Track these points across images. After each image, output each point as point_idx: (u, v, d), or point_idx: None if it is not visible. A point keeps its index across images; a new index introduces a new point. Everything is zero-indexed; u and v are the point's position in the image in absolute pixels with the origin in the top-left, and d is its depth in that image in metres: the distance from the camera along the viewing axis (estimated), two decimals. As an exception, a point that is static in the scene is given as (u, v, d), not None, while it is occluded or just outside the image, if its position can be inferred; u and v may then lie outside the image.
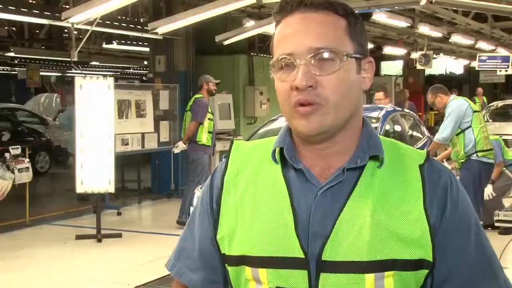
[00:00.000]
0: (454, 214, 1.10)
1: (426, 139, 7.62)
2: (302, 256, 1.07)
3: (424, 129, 7.92)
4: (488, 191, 6.69)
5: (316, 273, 1.06)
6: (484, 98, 16.22)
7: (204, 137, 7.54)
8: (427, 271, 1.09)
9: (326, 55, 1.07)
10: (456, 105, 6.03)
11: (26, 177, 7.32)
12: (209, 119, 7.63)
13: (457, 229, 1.10)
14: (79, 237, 7.07)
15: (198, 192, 5.82)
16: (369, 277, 1.05)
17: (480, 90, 16.03)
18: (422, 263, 1.07)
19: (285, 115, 1.12)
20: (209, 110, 7.66)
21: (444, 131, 5.99)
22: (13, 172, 7.07)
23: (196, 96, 7.75)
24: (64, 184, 10.96)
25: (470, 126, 5.96)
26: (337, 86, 1.07)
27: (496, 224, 7.14)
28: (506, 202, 8.45)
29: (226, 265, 1.17)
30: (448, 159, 6.70)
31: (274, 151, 1.15)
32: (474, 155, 5.98)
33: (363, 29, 1.15)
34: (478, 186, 6.10)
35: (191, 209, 5.73)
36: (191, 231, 1.23)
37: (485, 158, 6.01)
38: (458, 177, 6.05)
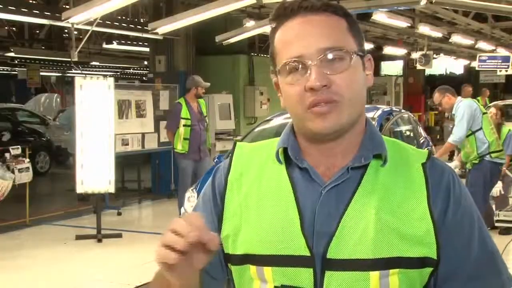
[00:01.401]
0: (457, 212, 1.11)
1: (423, 140, 7.59)
2: (308, 254, 1.08)
3: (421, 129, 7.89)
4: (498, 188, 6.68)
5: (321, 271, 1.07)
6: (487, 99, 16.10)
7: (179, 145, 7.36)
8: (431, 269, 1.09)
9: (335, 54, 1.08)
10: (466, 105, 6.04)
11: (26, 177, 7.31)
12: (184, 125, 7.30)
13: (460, 227, 1.11)
14: (79, 237, 7.07)
15: (188, 193, 5.68)
16: (374, 275, 1.06)
17: (486, 91, 15.81)
18: (426, 261, 1.08)
19: (296, 118, 1.13)
20: (185, 116, 7.32)
21: (459, 132, 5.97)
22: (13, 172, 7.07)
23: (179, 100, 7.69)
24: (64, 184, 10.96)
25: (481, 128, 6.00)
26: (350, 83, 1.09)
27: (496, 224, 7.14)
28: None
29: (229, 264, 1.17)
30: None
31: (278, 151, 1.16)
32: (488, 156, 6.03)
33: (359, 28, 1.17)
34: (488, 186, 6.14)
35: (182, 210, 5.67)
36: None
37: (498, 159, 6.10)
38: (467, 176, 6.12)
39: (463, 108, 5.99)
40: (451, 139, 6.10)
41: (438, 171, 1.14)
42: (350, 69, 1.09)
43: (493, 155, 6.02)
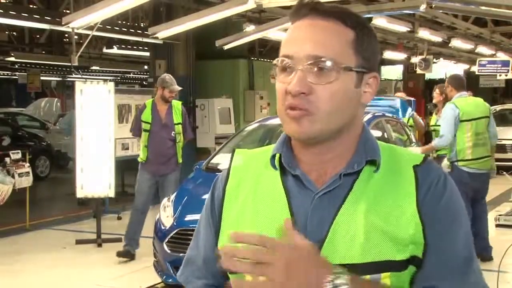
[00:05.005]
0: (434, 209, 1.09)
1: (414, 146, 7.44)
2: None
3: (412, 135, 7.71)
4: None
5: None
6: None
7: (140, 153, 6.27)
8: (415, 267, 1.09)
9: (324, 64, 1.07)
10: (448, 108, 5.96)
11: (26, 181, 7.31)
12: (144, 130, 6.17)
13: (438, 225, 1.09)
14: (79, 242, 7.06)
15: (164, 202, 5.42)
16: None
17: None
18: (413, 260, 1.08)
19: (279, 116, 1.14)
20: (146, 119, 6.18)
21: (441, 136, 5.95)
22: (13, 176, 7.07)
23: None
24: (64, 188, 10.95)
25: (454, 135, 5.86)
26: (330, 97, 1.07)
27: (497, 229, 7.16)
28: (507, 206, 8.46)
29: (228, 273, 1.18)
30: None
31: (272, 158, 1.17)
32: (455, 162, 5.90)
33: (373, 43, 1.14)
34: (465, 196, 5.90)
35: (157, 217, 5.32)
36: (197, 240, 1.26)
37: (466, 168, 5.87)
38: None
39: (444, 111, 6.00)
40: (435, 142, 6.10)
41: (427, 172, 1.12)
42: (336, 82, 1.07)
43: (459, 163, 5.86)
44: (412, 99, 11.13)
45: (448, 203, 1.11)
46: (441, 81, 26.75)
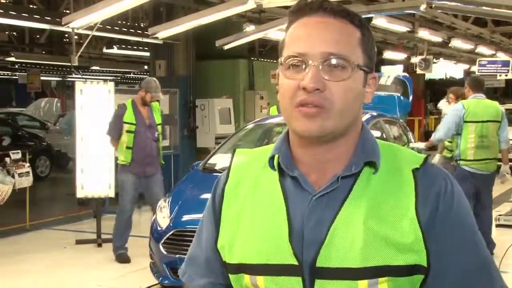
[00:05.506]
0: (446, 219, 1.08)
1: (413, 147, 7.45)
2: (296, 263, 1.08)
3: (411, 135, 7.71)
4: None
5: (310, 280, 1.07)
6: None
7: (122, 155, 6.17)
8: (422, 276, 1.08)
9: (338, 61, 1.07)
10: (454, 108, 6.04)
11: (26, 181, 7.31)
12: (127, 131, 6.08)
13: (450, 233, 1.08)
14: (79, 242, 7.07)
15: (161, 203, 5.36)
16: (363, 284, 1.05)
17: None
18: (416, 269, 1.07)
19: (285, 113, 1.12)
20: (129, 120, 6.10)
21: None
22: (13, 176, 7.07)
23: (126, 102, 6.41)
24: (64, 188, 10.94)
25: (459, 134, 5.91)
26: (344, 94, 1.08)
27: (497, 229, 7.16)
28: (507, 206, 8.46)
29: (228, 272, 1.19)
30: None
31: (271, 159, 1.16)
32: (459, 161, 5.96)
33: (374, 44, 1.16)
34: (469, 195, 5.94)
35: (153, 217, 5.34)
36: (199, 239, 1.26)
37: (467, 167, 5.91)
38: None
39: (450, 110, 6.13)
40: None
41: (430, 177, 1.11)
42: (349, 80, 1.08)
43: (461, 162, 5.91)
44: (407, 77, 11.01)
45: (456, 215, 1.10)
46: (441, 81, 26.77)
